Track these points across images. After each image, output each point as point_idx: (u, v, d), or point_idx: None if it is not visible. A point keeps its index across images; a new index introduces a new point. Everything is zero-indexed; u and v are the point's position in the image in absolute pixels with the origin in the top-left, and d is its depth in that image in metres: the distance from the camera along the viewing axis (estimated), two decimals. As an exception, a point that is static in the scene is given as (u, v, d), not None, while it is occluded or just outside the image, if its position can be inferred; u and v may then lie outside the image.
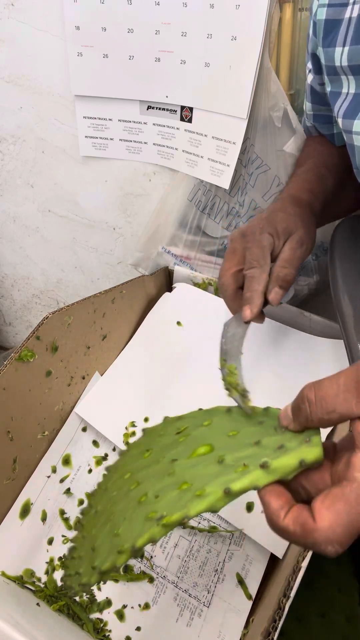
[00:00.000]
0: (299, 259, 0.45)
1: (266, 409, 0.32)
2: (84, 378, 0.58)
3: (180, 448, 0.32)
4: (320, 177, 0.53)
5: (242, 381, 0.38)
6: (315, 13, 0.45)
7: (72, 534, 0.51)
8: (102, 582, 0.30)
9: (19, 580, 0.47)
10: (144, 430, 0.39)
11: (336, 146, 0.57)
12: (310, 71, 0.51)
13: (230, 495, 0.25)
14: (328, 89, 0.47)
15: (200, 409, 0.36)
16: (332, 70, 0.45)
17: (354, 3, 0.41)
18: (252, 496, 0.50)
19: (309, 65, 0.50)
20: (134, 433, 0.56)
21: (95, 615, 0.47)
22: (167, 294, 0.67)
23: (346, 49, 0.42)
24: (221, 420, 0.33)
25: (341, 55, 0.42)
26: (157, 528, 0.26)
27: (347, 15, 0.42)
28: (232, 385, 0.38)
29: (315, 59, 0.48)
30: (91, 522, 0.36)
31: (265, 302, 0.45)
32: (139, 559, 0.49)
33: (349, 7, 0.41)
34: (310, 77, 0.51)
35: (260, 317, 0.46)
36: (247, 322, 0.44)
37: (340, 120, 0.45)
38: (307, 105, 0.54)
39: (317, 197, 0.51)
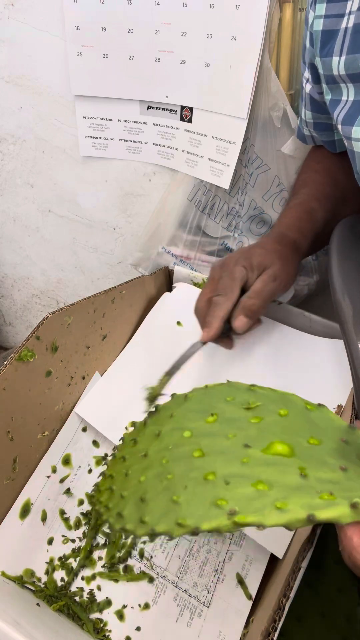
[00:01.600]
0: (269, 292, 0.47)
1: (353, 428, 0.30)
2: (84, 378, 0.58)
3: (252, 432, 0.31)
4: (310, 212, 0.55)
5: (162, 391, 0.43)
6: (311, 24, 0.45)
7: (72, 533, 0.51)
8: (148, 540, 0.28)
9: (19, 580, 0.47)
10: (205, 388, 0.36)
11: (335, 169, 0.58)
12: (308, 81, 0.51)
13: (312, 522, 0.24)
14: (328, 97, 0.47)
15: (271, 389, 0.34)
16: (331, 79, 0.45)
17: (349, 13, 0.41)
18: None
19: (306, 74, 0.51)
20: (134, 433, 0.56)
21: (95, 615, 0.47)
22: (166, 293, 0.67)
23: (342, 58, 0.42)
24: (299, 418, 0.31)
25: (338, 65, 0.43)
26: (226, 521, 0.25)
27: (343, 25, 0.42)
28: (151, 392, 0.43)
29: (313, 69, 0.49)
30: (138, 462, 0.34)
31: (230, 328, 0.48)
32: (139, 559, 0.49)
33: (345, 18, 0.42)
34: (308, 87, 0.51)
35: (226, 342, 0.50)
36: (204, 344, 0.48)
37: (340, 127, 0.45)
38: (307, 114, 0.54)
39: (305, 236, 0.53)
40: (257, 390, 0.34)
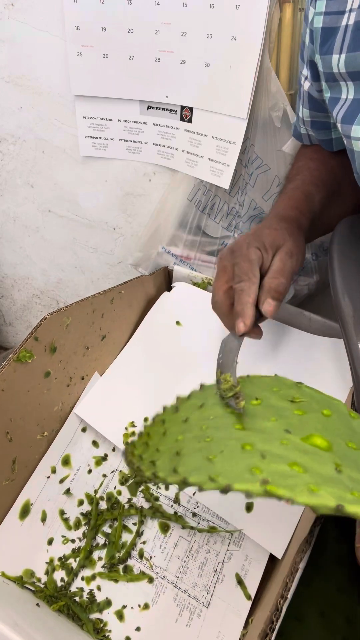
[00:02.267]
0: (289, 270, 0.45)
1: None
2: (83, 378, 0.58)
3: (294, 421, 0.32)
4: (307, 195, 0.53)
5: (235, 384, 0.39)
6: (311, 21, 0.45)
7: (72, 534, 0.51)
8: (177, 488, 0.29)
9: (19, 581, 0.48)
10: (249, 376, 0.37)
11: (330, 160, 0.57)
12: (306, 78, 0.50)
13: (338, 512, 0.25)
14: (327, 95, 0.47)
15: (317, 390, 0.35)
16: (330, 77, 0.45)
17: (350, 11, 0.41)
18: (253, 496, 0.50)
19: (305, 72, 0.50)
20: (133, 433, 0.56)
21: (95, 616, 0.47)
22: (166, 293, 0.67)
23: (343, 56, 0.42)
24: (340, 422, 0.32)
25: (338, 62, 0.43)
26: (258, 487, 0.26)
27: (343, 22, 0.42)
28: (226, 391, 0.38)
29: (312, 66, 0.48)
30: (177, 426, 0.35)
31: (260, 315, 0.45)
32: (139, 559, 0.49)
33: (346, 15, 0.42)
34: (307, 85, 0.51)
35: (256, 332, 0.46)
36: (242, 336, 0.44)
37: (339, 125, 0.45)
38: (304, 112, 0.54)
39: (304, 214, 0.52)
40: (304, 388, 0.35)
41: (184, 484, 0.28)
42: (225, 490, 0.27)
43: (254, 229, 0.49)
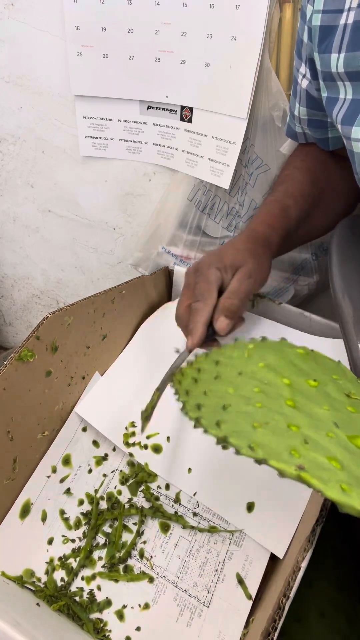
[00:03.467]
0: (245, 291, 0.48)
1: None
2: (83, 378, 0.58)
3: (344, 416, 0.32)
4: (284, 209, 0.55)
5: (154, 408, 0.44)
6: (310, 19, 0.45)
7: (72, 533, 0.51)
8: (216, 440, 0.30)
9: (19, 580, 0.47)
10: (315, 352, 0.37)
11: (317, 165, 0.58)
12: (304, 76, 0.50)
13: None
14: (324, 94, 0.46)
15: None
16: (328, 76, 0.45)
17: (349, 9, 0.41)
18: (253, 496, 0.50)
19: (303, 70, 0.50)
20: (133, 433, 0.56)
21: (95, 615, 0.47)
22: (169, 303, 0.68)
23: (342, 55, 0.42)
24: None
25: (337, 62, 0.43)
26: (293, 470, 0.26)
27: (342, 21, 0.42)
28: (144, 412, 0.44)
29: (311, 64, 0.48)
30: (230, 375, 0.35)
31: (214, 331, 0.48)
32: (139, 559, 0.49)
33: (344, 14, 0.41)
34: (305, 82, 0.51)
35: (214, 345, 0.49)
36: (190, 351, 0.47)
37: (339, 127, 0.45)
38: (301, 110, 0.54)
39: (276, 231, 0.53)
40: None
41: (223, 441, 0.29)
42: (259, 462, 0.27)
43: (219, 248, 0.52)
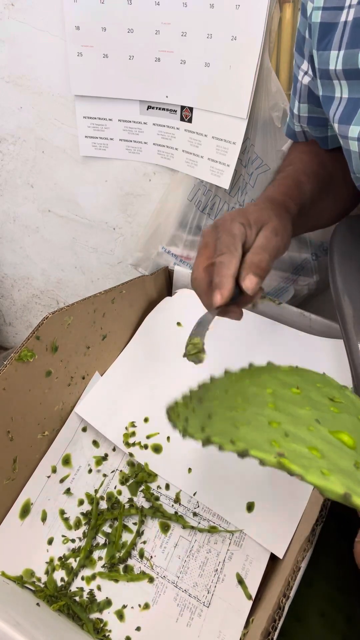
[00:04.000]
0: (273, 248, 0.43)
1: None
2: (84, 378, 0.58)
3: (327, 415, 0.32)
4: (298, 183, 0.52)
5: (203, 344, 0.40)
6: (310, 15, 0.45)
7: (72, 533, 0.51)
8: (201, 443, 0.32)
9: (19, 580, 0.47)
10: (299, 368, 0.38)
11: (323, 154, 0.57)
12: (306, 73, 0.50)
13: (345, 500, 0.26)
14: (320, 93, 0.46)
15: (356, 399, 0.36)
16: (325, 74, 0.45)
17: (349, 7, 0.41)
18: (253, 496, 0.50)
19: (305, 66, 0.50)
20: (134, 433, 0.56)
21: (95, 615, 0.47)
22: (168, 297, 0.67)
23: (342, 52, 0.42)
24: None
25: (336, 59, 0.42)
26: (272, 458, 0.27)
27: (342, 19, 0.42)
28: (190, 349, 0.40)
29: (313, 61, 0.48)
30: (215, 395, 0.37)
31: (241, 292, 0.43)
32: (139, 559, 0.49)
33: (345, 11, 0.41)
34: (307, 79, 0.50)
35: (235, 311, 0.44)
36: (218, 308, 0.42)
37: (336, 126, 0.45)
38: (302, 108, 0.53)
39: (293, 200, 0.50)
40: (347, 392, 0.36)
41: (207, 441, 0.30)
42: (242, 454, 0.28)
43: (240, 208, 0.48)
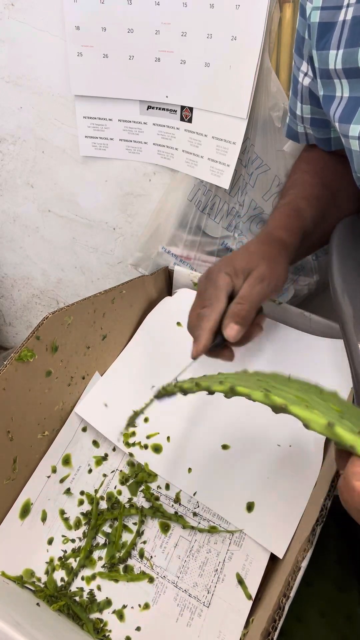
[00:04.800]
0: (257, 295, 0.45)
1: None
2: (83, 378, 0.58)
3: (319, 400, 0.33)
4: (298, 211, 0.53)
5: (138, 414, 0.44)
6: (309, 16, 0.45)
7: (72, 533, 0.51)
8: (190, 392, 0.36)
9: (19, 580, 0.47)
10: (290, 377, 0.39)
11: (326, 169, 0.57)
12: (306, 74, 0.50)
13: (328, 430, 0.27)
14: (321, 92, 0.46)
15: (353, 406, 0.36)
16: (325, 74, 0.45)
17: (347, 6, 0.41)
18: (253, 496, 0.50)
19: (305, 68, 0.50)
20: (134, 433, 0.56)
21: (95, 615, 0.47)
22: (167, 297, 0.67)
23: (341, 51, 0.42)
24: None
25: (335, 58, 0.42)
26: (259, 393, 0.30)
27: (341, 18, 0.42)
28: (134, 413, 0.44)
29: (313, 62, 0.48)
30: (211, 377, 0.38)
31: (223, 339, 0.46)
32: (139, 559, 0.49)
33: (343, 10, 0.41)
34: (307, 80, 0.50)
35: (225, 354, 0.48)
36: (194, 359, 0.46)
37: (337, 125, 0.45)
38: (304, 109, 0.53)
39: (293, 233, 0.52)
40: (350, 406, 0.37)
41: (196, 386, 0.34)
42: (230, 392, 0.30)
43: (232, 252, 0.50)
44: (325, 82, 0.45)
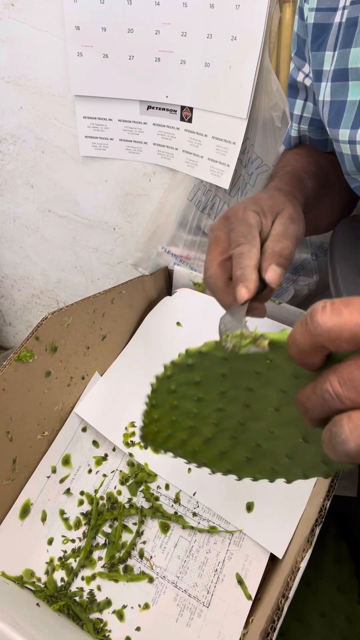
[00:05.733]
0: (293, 234, 0.39)
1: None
2: (83, 378, 0.58)
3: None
4: (300, 178, 0.50)
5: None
6: (307, 18, 0.45)
7: (72, 534, 0.51)
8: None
9: (19, 581, 0.48)
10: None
11: (318, 156, 0.56)
12: (307, 75, 0.50)
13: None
14: (315, 95, 0.47)
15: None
16: (318, 76, 0.45)
17: (343, 8, 0.41)
18: (253, 496, 0.50)
19: (306, 69, 0.50)
20: (133, 433, 0.56)
21: (95, 615, 0.47)
22: (167, 297, 0.67)
23: (336, 53, 0.42)
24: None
25: (332, 60, 0.43)
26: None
27: (337, 19, 0.42)
28: (239, 340, 0.30)
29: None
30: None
31: (264, 286, 0.38)
32: (139, 559, 0.49)
33: (339, 12, 0.42)
34: (308, 81, 0.51)
35: (260, 308, 0.39)
36: (244, 304, 0.36)
37: (327, 129, 0.45)
38: (307, 107, 0.53)
39: (299, 191, 0.48)
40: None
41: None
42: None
43: (250, 196, 0.44)
44: (315, 85, 0.46)
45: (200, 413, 0.34)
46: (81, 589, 0.48)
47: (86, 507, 0.53)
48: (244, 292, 0.36)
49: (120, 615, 0.46)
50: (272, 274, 0.37)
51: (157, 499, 0.52)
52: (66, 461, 0.55)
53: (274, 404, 0.29)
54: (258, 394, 0.30)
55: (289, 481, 0.33)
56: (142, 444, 0.55)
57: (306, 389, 0.23)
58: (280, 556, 0.47)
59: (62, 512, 0.52)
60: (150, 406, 0.36)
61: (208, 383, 0.32)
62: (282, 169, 0.53)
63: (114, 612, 0.47)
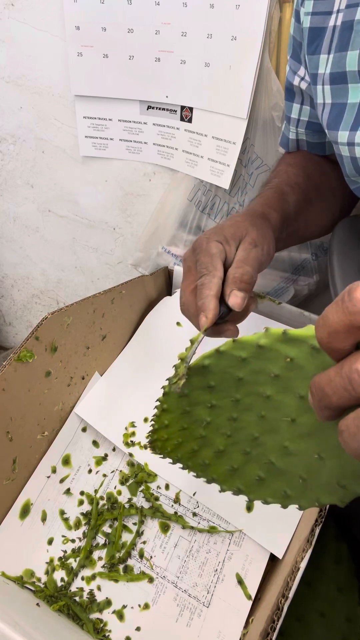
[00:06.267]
0: (254, 259, 0.42)
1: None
2: (83, 378, 0.58)
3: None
4: (281, 194, 0.52)
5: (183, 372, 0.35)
6: (302, 21, 0.45)
7: (72, 534, 0.51)
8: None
9: (19, 581, 0.48)
10: None
11: (311, 166, 0.57)
12: (302, 79, 0.51)
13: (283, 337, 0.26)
14: (313, 98, 0.47)
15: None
16: (313, 79, 0.45)
17: (338, 11, 0.41)
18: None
19: (301, 72, 0.50)
20: (133, 433, 0.56)
21: (95, 615, 0.47)
22: (167, 297, 0.67)
23: (331, 56, 0.42)
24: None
25: (327, 63, 0.43)
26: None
27: (331, 23, 0.42)
28: (171, 378, 0.35)
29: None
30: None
31: (229, 310, 0.41)
32: (139, 559, 0.49)
33: (333, 16, 0.42)
34: (304, 85, 0.51)
35: (230, 329, 0.42)
36: (205, 331, 0.39)
37: (327, 131, 0.45)
38: (304, 111, 0.53)
39: (275, 210, 0.50)
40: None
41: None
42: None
43: (216, 225, 0.46)
44: (313, 88, 0.46)
45: (213, 422, 0.34)
46: (81, 589, 0.48)
47: (86, 507, 0.53)
48: (204, 321, 0.39)
49: (120, 615, 0.46)
50: (234, 299, 0.40)
51: (157, 499, 0.52)
52: (66, 461, 0.55)
53: (290, 413, 0.29)
54: (274, 402, 0.29)
55: (301, 508, 0.32)
56: (145, 446, 0.55)
57: (329, 371, 0.21)
58: (280, 556, 0.47)
59: (62, 512, 0.52)
60: (160, 410, 0.36)
61: (223, 388, 0.32)
62: (270, 181, 0.55)
63: (114, 612, 0.47)
